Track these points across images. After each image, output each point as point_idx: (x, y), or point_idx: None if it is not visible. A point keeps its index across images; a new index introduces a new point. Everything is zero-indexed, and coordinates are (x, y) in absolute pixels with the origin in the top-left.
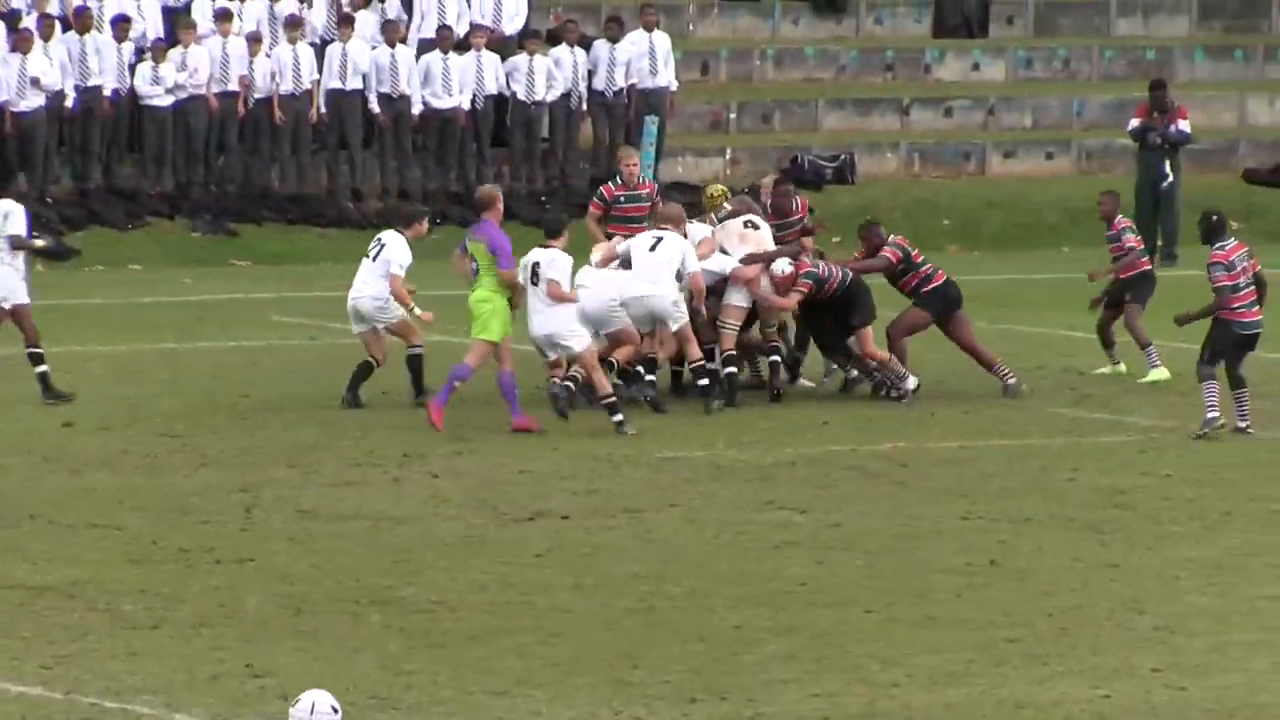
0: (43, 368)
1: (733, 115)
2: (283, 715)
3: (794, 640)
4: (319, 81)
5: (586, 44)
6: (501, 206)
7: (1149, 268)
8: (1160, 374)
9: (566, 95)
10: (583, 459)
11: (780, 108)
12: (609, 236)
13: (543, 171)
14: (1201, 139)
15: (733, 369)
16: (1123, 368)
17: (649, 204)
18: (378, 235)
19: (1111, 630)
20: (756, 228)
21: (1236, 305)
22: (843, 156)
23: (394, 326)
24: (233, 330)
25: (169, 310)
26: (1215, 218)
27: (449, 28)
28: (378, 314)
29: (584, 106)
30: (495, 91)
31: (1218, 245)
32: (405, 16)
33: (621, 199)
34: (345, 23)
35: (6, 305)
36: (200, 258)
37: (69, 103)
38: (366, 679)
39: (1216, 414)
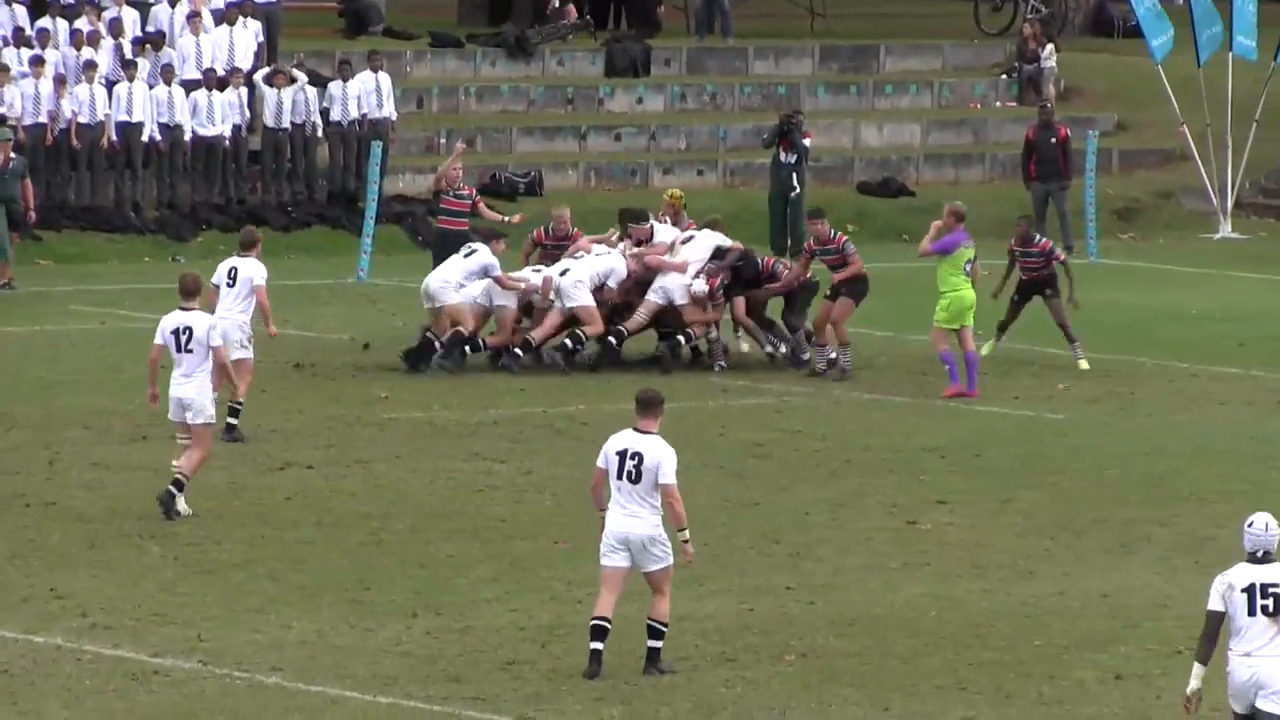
0: None
1: (443, 140)
2: (82, 629)
3: (496, 566)
4: (110, 115)
5: (324, 83)
6: None
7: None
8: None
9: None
10: (323, 420)
11: (481, 134)
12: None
13: (289, 186)
14: (823, 158)
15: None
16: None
17: (469, 203)
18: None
19: (754, 556)
20: (693, 239)
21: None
22: (532, 174)
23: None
24: (38, 318)
25: None
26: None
27: (213, 70)
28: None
29: (320, 134)
30: (246, 120)
31: (834, 233)
32: (170, 58)
33: (449, 194)
34: (128, 66)
35: None
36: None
37: None
38: (149, 599)
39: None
